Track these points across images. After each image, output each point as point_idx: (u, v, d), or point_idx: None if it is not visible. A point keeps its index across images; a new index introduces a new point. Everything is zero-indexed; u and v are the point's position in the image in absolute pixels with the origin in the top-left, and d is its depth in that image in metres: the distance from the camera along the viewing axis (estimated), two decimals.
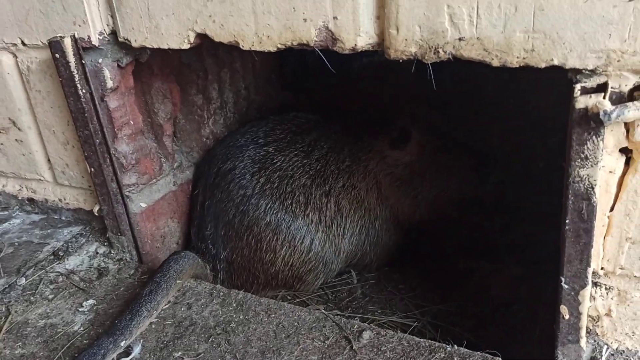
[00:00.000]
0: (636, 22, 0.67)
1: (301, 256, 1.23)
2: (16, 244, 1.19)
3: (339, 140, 1.31)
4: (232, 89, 1.43)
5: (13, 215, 1.29)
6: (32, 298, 1.05)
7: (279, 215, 1.21)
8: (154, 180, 1.21)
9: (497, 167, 1.36)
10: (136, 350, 0.91)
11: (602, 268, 0.82)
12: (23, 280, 1.09)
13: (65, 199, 1.26)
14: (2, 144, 1.26)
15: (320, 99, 1.62)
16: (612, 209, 0.78)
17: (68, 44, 1.01)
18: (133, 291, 1.07)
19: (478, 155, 1.31)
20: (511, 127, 1.48)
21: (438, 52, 0.79)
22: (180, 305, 1.02)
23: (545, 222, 0.98)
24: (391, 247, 1.37)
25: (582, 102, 0.70)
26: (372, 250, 1.34)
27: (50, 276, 1.11)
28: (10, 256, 1.15)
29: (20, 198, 1.32)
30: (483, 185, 1.33)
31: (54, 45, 1.01)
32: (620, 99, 0.71)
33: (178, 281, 1.03)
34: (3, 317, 1.00)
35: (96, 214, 1.19)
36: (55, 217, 1.28)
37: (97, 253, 1.18)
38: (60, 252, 1.16)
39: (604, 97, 0.70)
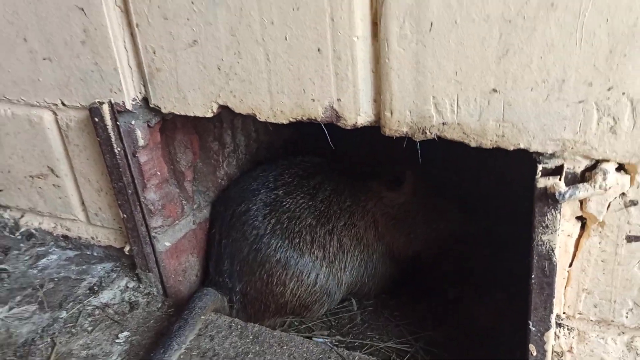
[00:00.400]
0: (585, 118, 0.82)
1: (308, 289, 1.38)
2: (56, 279, 1.33)
3: (340, 183, 1.46)
4: (243, 132, 1.58)
5: (50, 251, 1.44)
6: (73, 330, 1.20)
7: (288, 253, 1.36)
8: (177, 222, 1.36)
9: (481, 207, 1.51)
10: None
11: (564, 312, 0.97)
12: (64, 314, 1.24)
13: (97, 237, 1.41)
14: (40, 187, 1.41)
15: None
16: (570, 265, 0.93)
17: (106, 110, 1.16)
18: (161, 324, 1.22)
19: (464, 198, 1.46)
20: (498, 165, 1.62)
21: (425, 133, 0.94)
22: (204, 337, 1.17)
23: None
24: (387, 277, 1.52)
25: (542, 182, 0.85)
26: (370, 281, 1.49)
27: (87, 309, 1.26)
28: (52, 291, 1.30)
29: (55, 235, 1.47)
30: (469, 224, 1.47)
31: (94, 111, 1.16)
32: (574, 179, 0.86)
33: (202, 317, 1.18)
34: (50, 348, 1.15)
35: (127, 253, 1.34)
36: (88, 253, 1.43)
37: (128, 287, 1.33)
38: (95, 287, 1.31)
39: (560, 179, 0.85)
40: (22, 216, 1.51)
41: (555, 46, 0.79)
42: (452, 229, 1.50)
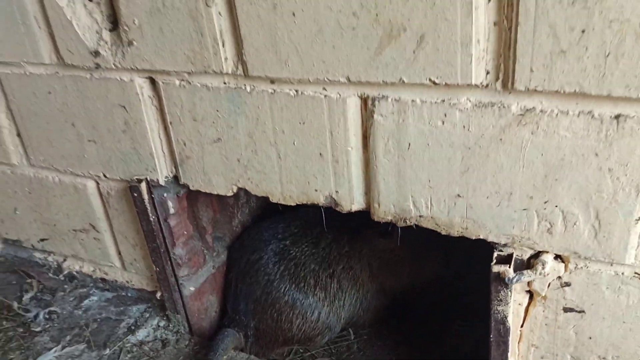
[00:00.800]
0: (528, 221, 1.05)
1: (311, 325, 1.62)
2: (98, 319, 1.57)
3: (339, 231, 1.69)
4: None
5: (90, 292, 1.68)
6: None
7: (294, 295, 1.60)
8: (200, 269, 1.59)
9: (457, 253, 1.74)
10: None
11: None
12: (108, 351, 1.48)
13: (131, 281, 1.65)
14: (82, 239, 1.64)
15: None
16: (522, 326, 1.17)
17: (143, 187, 1.39)
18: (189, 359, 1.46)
19: (441, 246, 1.69)
20: None
21: (406, 221, 1.17)
22: None
23: None
24: (380, 311, 1.76)
25: (496, 268, 1.09)
26: (365, 314, 1.73)
27: (127, 347, 1.50)
28: (96, 331, 1.54)
29: (94, 277, 1.70)
30: (449, 265, 1.71)
31: (133, 188, 1.39)
32: (521, 264, 1.10)
33: (225, 356, 1.42)
34: None
35: (158, 298, 1.58)
36: (123, 294, 1.67)
37: (159, 326, 1.57)
38: (132, 327, 1.55)
39: (510, 266, 1.08)
40: (64, 260, 1.74)
41: (504, 169, 1.02)
42: (434, 269, 1.74)
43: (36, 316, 1.59)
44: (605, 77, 0.87)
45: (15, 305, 1.62)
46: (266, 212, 1.82)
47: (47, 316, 1.59)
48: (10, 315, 1.60)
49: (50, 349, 1.48)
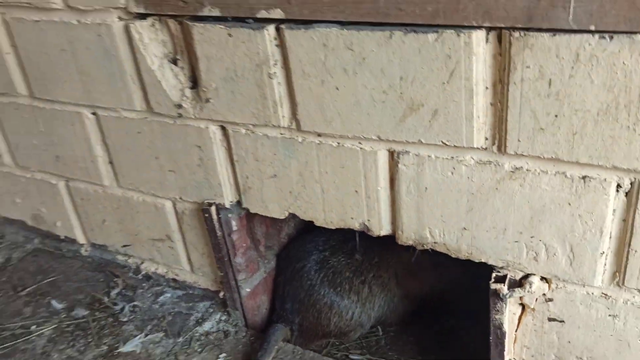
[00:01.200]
0: (519, 251, 1.33)
1: (346, 322, 1.94)
2: (172, 313, 1.93)
3: (370, 245, 2.00)
4: None
5: (164, 290, 2.03)
6: (188, 351, 1.79)
7: (332, 298, 1.92)
8: (254, 274, 1.93)
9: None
10: None
11: (514, 358, 1.51)
12: (181, 339, 1.83)
13: (198, 282, 2.00)
14: (159, 247, 2.00)
15: None
16: (516, 330, 1.46)
17: (213, 210, 1.73)
18: (247, 348, 1.80)
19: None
20: None
21: (424, 246, 1.47)
22: (276, 359, 1.75)
23: None
24: (404, 311, 2.07)
25: (494, 286, 1.38)
26: (392, 315, 2.04)
27: (196, 336, 1.85)
28: (171, 322, 1.89)
29: (167, 278, 2.06)
30: (464, 275, 2.00)
31: (205, 210, 1.73)
32: (514, 283, 1.39)
33: (276, 347, 1.76)
34: None
35: (220, 297, 1.92)
36: (191, 292, 2.02)
37: (221, 320, 1.91)
38: (200, 320, 1.90)
39: (504, 284, 1.37)
40: (142, 262, 2.11)
41: (499, 211, 1.31)
42: (453, 275, 2.03)
43: (122, 309, 1.95)
44: (574, 149, 1.15)
45: (106, 299, 1.99)
46: (308, 225, 2.14)
47: (131, 309, 1.95)
48: (101, 307, 1.97)
49: (135, 336, 1.84)
